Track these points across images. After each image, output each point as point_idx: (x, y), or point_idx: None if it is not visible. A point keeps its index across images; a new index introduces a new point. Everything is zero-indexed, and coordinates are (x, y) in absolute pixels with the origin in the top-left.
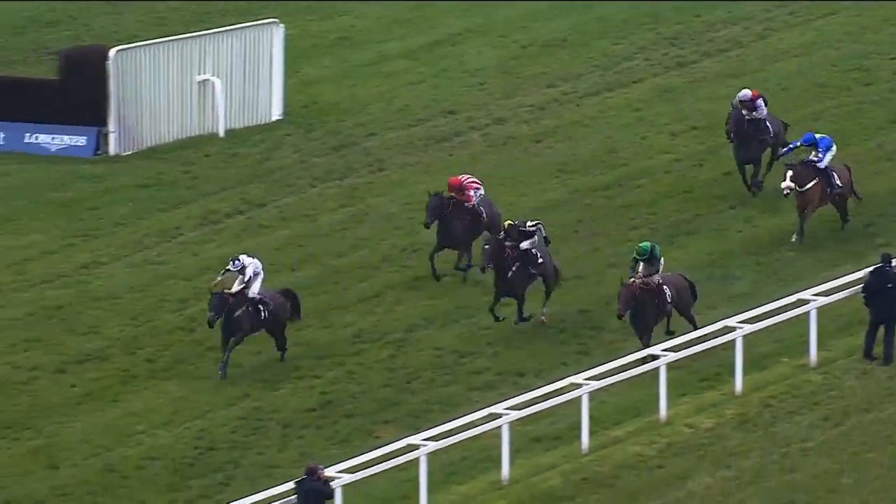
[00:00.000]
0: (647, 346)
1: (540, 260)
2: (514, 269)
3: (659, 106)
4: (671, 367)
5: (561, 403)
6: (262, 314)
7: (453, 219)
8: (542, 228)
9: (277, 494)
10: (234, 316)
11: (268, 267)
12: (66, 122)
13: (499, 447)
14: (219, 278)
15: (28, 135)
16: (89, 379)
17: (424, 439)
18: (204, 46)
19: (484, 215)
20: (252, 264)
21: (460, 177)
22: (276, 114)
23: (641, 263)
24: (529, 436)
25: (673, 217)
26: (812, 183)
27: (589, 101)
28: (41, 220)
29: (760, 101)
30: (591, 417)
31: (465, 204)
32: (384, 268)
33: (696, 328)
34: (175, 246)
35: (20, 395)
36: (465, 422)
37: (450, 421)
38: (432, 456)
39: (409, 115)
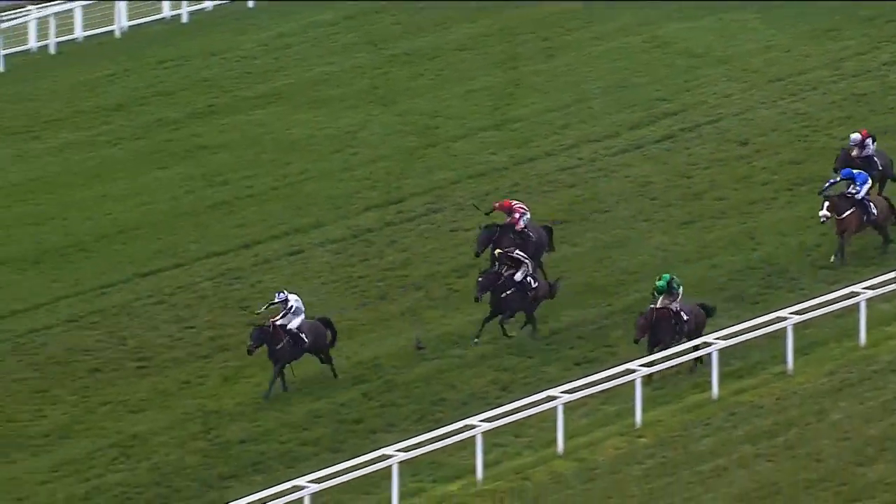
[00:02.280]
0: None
1: (535, 284)
2: (509, 292)
3: None
4: None
5: None
6: (303, 343)
7: (503, 241)
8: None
9: None
10: (276, 348)
11: None
12: None
13: None
14: (263, 309)
15: None
16: None
17: None
18: None
19: (532, 237)
20: (294, 300)
21: (509, 200)
22: None
23: (661, 296)
24: None
25: None
26: (849, 212)
27: None
28: (851, 29)
29: (869, 140)
30: None
31: (515, 227)
32: None
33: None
34: None
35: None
36: None
37: None
38: None
39: None
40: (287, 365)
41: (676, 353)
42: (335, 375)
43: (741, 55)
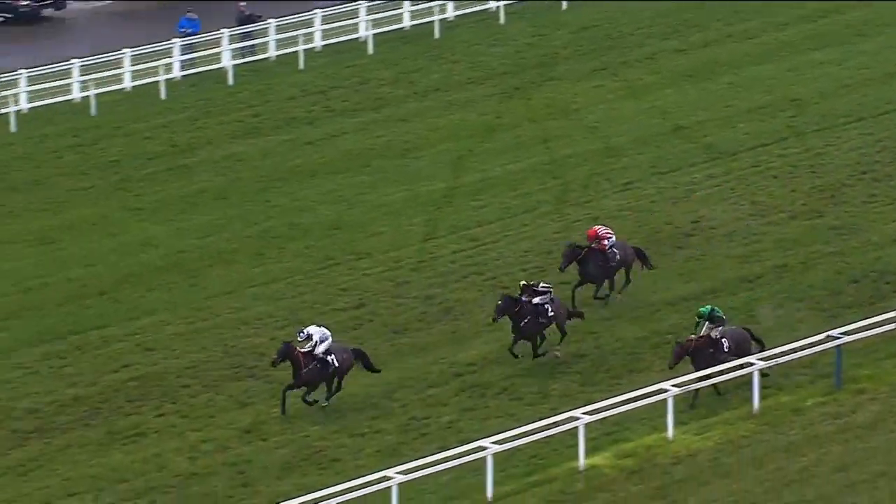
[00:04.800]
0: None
1: (551, 313)
2: (526, 320)
3: None
4: None
5: None
6: (330, 367)
7: (588, 261)
8: (552, 291)
9: None
10: (302, 372)
11: None
12: None
13: None
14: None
15: None
16: None
17: None
18: None
19: (617, 256)
20: (318, 332)
21: (596, 228)
22: None
23: (705, 323)
24: None
25: None
26: None
27: None
28: None
29: None
30: None
31: (601, 250)
32: None
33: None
34: None
35: None
36: None
37: None
38: None
39: None
40: (314, 388)
41: None
42: (328, 400)
43: None
